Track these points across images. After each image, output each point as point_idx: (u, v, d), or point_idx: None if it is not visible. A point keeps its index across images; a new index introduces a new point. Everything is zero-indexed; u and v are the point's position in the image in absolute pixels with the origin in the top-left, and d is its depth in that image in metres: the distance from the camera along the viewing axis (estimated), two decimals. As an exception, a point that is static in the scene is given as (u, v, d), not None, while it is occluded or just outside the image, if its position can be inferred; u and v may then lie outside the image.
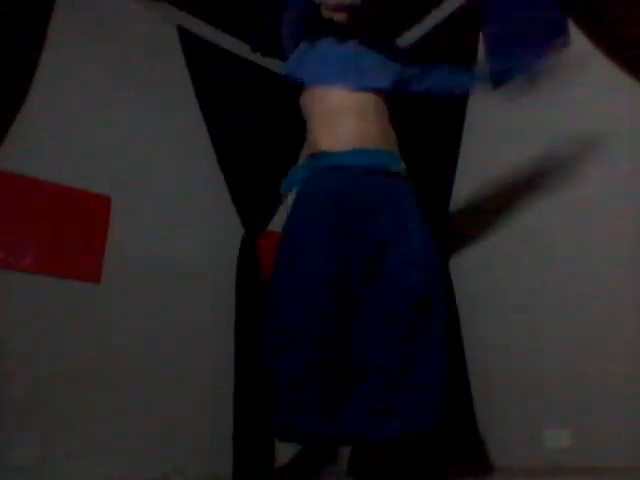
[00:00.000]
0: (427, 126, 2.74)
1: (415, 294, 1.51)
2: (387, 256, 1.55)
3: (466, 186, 2.64)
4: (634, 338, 1.93)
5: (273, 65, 3.24)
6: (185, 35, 2.95)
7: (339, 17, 1.81)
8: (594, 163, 2.18)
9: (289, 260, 1.58)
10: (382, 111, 1.72)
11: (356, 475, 1.77)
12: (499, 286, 2.42)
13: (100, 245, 2.41)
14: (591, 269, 2.12)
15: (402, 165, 1.70)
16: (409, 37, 3.05)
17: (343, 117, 1.67)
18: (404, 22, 3.03)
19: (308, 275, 1.53)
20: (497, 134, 2.60)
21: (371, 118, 1.67)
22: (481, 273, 2.51)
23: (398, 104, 1.79)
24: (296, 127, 3.23)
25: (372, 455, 1.58)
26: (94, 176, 2.47)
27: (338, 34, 1.79)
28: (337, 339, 1.49)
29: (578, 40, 2.30)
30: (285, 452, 2.51)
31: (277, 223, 2.97)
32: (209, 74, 2.96)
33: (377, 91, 1.72)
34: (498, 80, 1.93)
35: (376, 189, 1.62)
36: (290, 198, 1.85)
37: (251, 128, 2.99)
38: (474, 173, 2.64)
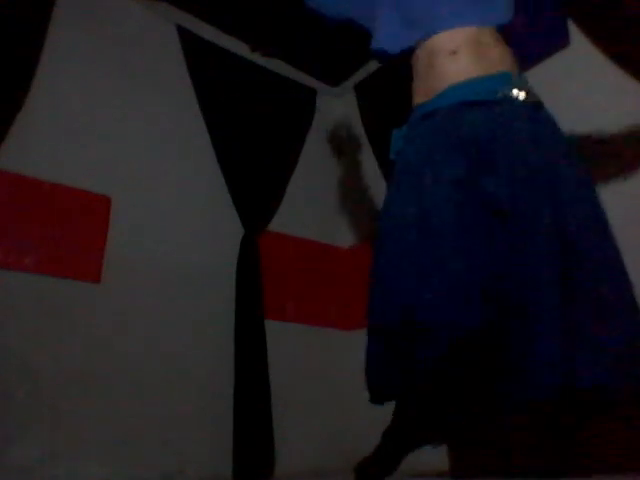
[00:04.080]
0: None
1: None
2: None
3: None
4: None
5: (273, 65, 3.24)
6: (185, 35, 2.95)
7: None
8: (594, 163, 2.18)
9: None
10: (480, 34, 1.47)
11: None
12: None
13: (100, 245, 2.40)
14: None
15: (518, 86, 1.38)
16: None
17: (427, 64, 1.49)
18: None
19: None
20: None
21: (465, 50, 1.44)
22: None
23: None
24: (296, 127, 3.27)
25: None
26: (94, 176, 2.47)
27: None
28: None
29: (578, 40, 2.30)
30: (285, 452, 2.52)
31: (277, 223, 2.98)
32: (209, 74, 2.96)
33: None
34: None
35: (479, 123, 1.35)
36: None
37: (251, 128, 2.99)
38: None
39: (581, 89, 2.26)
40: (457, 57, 1.43)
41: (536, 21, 2.49)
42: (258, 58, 3.18)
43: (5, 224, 2.21)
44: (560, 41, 2.36)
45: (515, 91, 1.36)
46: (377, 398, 1.36)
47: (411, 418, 1.39)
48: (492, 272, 1.23)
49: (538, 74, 2.45)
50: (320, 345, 2.99)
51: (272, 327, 2.75)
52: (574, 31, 2.32)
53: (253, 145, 2.98)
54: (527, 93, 1.38)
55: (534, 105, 1.39)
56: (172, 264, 2.59)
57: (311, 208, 3.21)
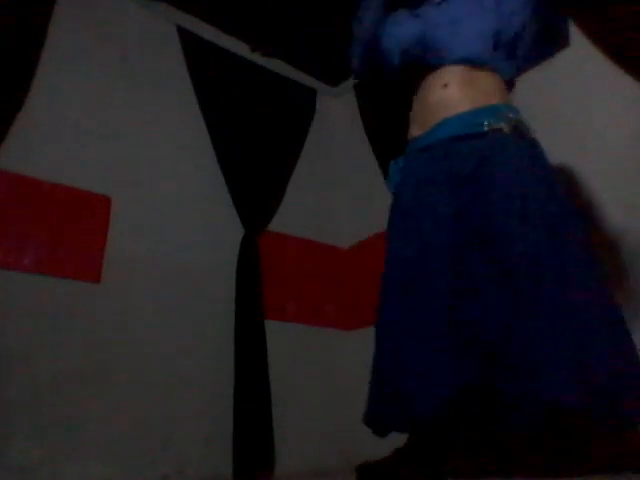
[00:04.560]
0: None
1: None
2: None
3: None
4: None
5: (273, 65, 3.24)
6: (185, 35, 2.95)
7: None
8: (594, 163, 2.18)
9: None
10: (470, 72, 1.53)
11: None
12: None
13: (100, 245, 2.40)
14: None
15: (505, 118, 1.44)
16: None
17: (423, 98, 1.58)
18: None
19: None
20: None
21: (455, 85, 1.51)
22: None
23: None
24: (296, 127, 3.27)
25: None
26: (94, 176, 2.47)
27: None
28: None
29: (578, 40, 2.30)
30: (285, 452, 2.52)
31: (277, 223, 2.98)
32: (209, 74, 2.96)
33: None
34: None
35: (467, 156, 1.42)
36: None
37: (251, 128, 2.99)
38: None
39: (581, 89, 2.27)
40: (448, 90, 1.51)
41: (536, 21, 2.50)
42: (258, 58, 3.18)
43: (5, 224, 2.21)
44: (560, 41, 2.36)
45: (501, 123, 1.42)
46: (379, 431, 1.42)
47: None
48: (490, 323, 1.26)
49: (538, 74, 2.45)
50: (320, 345, 2.99)
51: (272, 327, 2.75)
52: (574, 31, 2.32)
53: (253, 145, 2.98)
54: (515, 124, 1.44)
55: (520, 136, 1.44)
56: (172, 264, 2.59)
57: (311, 208, 3.21)
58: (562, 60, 2.36)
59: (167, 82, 2.85)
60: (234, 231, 2.81)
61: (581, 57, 2.28)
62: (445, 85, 1.52)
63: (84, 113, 2.52)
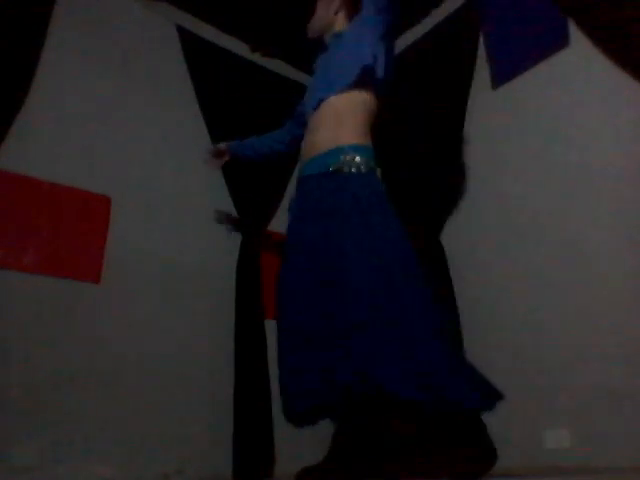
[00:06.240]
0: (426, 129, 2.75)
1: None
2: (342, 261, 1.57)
3: (466, 186, 2.64)
4: (634, 338, 1.93)
5: (273, 65, 3.24)
6: (185, 35, 2.95)
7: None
8: (593, 163, 2.18)
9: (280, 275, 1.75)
10: (337, 114, 1.74)
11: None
12: (499, 286, 2.42)
13: (100, 245, 2.40)
14: (591, 271, 2.12)
15: (346, 158, 1.68)
16: (409, 37, 3.05)
17: (305, 136, 1.85)
18: (405, 22, 3.03)
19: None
20: (496, 134, 2.60)
21: (322, 127, 1.75)
22: (481, 273, 2.51)
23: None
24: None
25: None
26: (94, 176, 2.47)
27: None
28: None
29: (578, 40, 2.30)
30: (285, 452, 2.52)
31: (277, 223, 2.97)
32: (209, 74, 2.96)
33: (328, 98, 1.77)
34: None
35: (316, 191, 1.70)
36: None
37: (251, 128, 2.99)
38: (474, 173, 2.65)
39: (581, 89, 2.27)
40: (313, 135, 1.77)
41: (536, 21, 2.50)
42: (258, 58, 3.18)
43: (5, 224, 2.21)
44: (560, 41, 2.36)
45: (343, 164, 1.67)
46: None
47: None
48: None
49: (538, 74, 2.46)
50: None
51: (272, 327, 2.74)
52: (574, 31, 2.32)
53: (253, 145, 2.97)
54: (356, 163, 1.67)
55: (358, 174, 1.67)
56: (172, 264, 2.59)
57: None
58: (562, 60, 2.36)
59: (167, 82, 2.85)
60: (234, 231, 2.82)
61: (581, 57, 2.28)
62: (311, 129, 1.79)
63: (84, 113, 2.52)
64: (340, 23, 1.91)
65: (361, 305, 1.50)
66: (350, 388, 1.46)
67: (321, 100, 1.77)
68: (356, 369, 1.45)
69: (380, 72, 1.75)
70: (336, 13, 1.92)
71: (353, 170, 1.66)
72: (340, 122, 1.73)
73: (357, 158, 1.67)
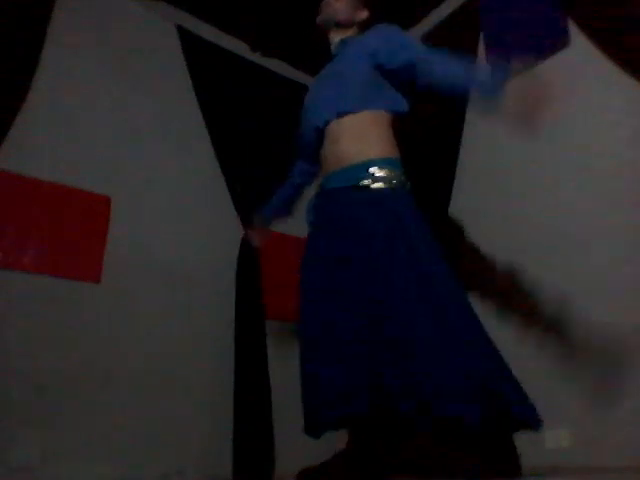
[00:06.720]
0: (425, 137, 2.76)
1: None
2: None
3: (467, 185, 2.64)
4: (634, 338, 1.93)
5: (273, 65, 3.24)
6: (185, 35, 2.95)
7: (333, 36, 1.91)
8: (594, 163, 2.18)
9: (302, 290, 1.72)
10: (361, 126, 1.70)
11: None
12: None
13: (100, 245, 2.40)
14: (590, 271, 2.12)
15: (378, 172, 1.64)
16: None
17: (325, 145, 1.77)
18: (405, 22, 3.03)
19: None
20: (496, 134, 2.60)
21: (346, 138, 1.69)
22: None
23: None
24: (296, 127, 3.26)
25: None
26: (94, 176, 2.47)
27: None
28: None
29: (578, 40, 2.30)
30: (285, 452, 2.52)
31: (277, 223, 2.97)
32: (209, 74, 2.96)
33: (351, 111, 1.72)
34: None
35: (347, 206, 1.65)
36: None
37: (251, 128, 2.99)
38: (475, 172, 2.64)
39: (581, 89, 2.27)
40: (337, 146, 1.70)
41: (536, 21, 2.50)
42: (258, 58, 3.18)
43: (5, 224, 2.21)
44: (560, 41, 2.36)
45: (366, 181, 1.62)
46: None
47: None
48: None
49: (538, 74, 2.45)
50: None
51: (272, 327, 2.74)
52: (574, 31, 2.32)
53: (253, 145, 2.98)
54: (385, 178, 1.63)
55: (390, 189, 1.63)
56: (172, 264, 2.59)
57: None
58: (562, 60, 2.36)
59: (167, 82, 2.85)
60: (234, 231, 2.82)
61: (581, 57, 2.28)
62: (336, 140, 1.71)
63: (84, 113, 2.52)
64: (353, 31, 1.88)
65: (409, 325, 1.46)
66: (400, 406, 1.40)
67: (340, 113, 1.71)
68: (408, 387, 1.40)
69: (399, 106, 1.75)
70: (357, 21, 1.88)
71: (385, 185, 1.62)
72: (366, 134, 1.69)
73: (389, 172, 1.63)
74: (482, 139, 2.63)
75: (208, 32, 3.04)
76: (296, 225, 3.08)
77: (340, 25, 1.88)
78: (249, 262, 2.77)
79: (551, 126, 2.36)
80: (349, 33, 1.88)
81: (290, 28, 2.95)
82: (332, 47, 1.91)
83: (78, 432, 2.13)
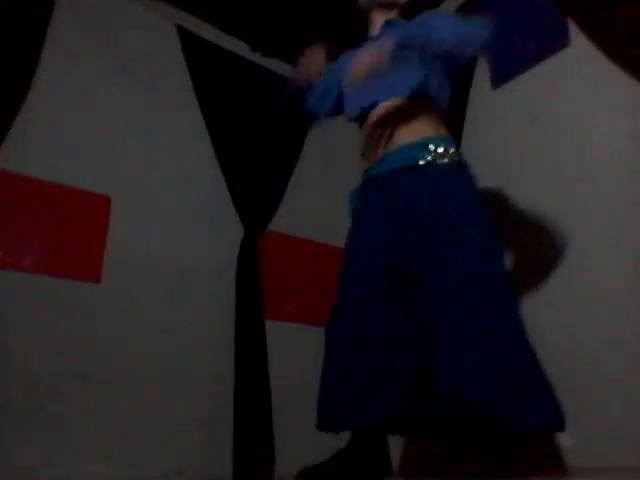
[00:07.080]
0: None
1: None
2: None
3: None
4: (635, 338, 1.93)
5: (273, 65, 3.24)
6: (185, 35, 2.95)
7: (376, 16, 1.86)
8: (594, 162, 2.18)
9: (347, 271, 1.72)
10: (399, 111, 1.67)
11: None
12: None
13: (100, 245, 2.40)
14: (592, 271, 2.11)
15: (438, 150, 1.60)
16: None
17: (370, 129, 1.72)
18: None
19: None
20: (496, 134, 2.60)
21: (395, 120, 1.66)
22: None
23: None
24: (296, 127, 3.26)
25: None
26: (94, 176, 2.47)
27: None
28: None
29: (578, 40, 2.30)
30: (285, 452, 2.52)
31: (277, 223, 2.98)
32: (209, 74, 2.96)
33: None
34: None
35: (401, 187, 1.61)
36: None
37: (251, 128, 2.99)
38: (475, 171, 2.64)
39: (581, 89, 2.27)
40: (389, 128, 1.66)
41: (536, 21, 2.50)
42: (258, 58, 3.18)
43: (5, 224, 2.21)
44: (560, 41, 2.36)
45: (430, 157, 1.59)
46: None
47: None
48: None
49: (538, 74, 2.46)
50: (320, 345, 2.98)
51: (272, 327, 2.74)
52: (574, 31, 2.32)
53: (253, 145, 2.98)
54: (444, 155, 1.60)
55: (450, 165, 1.60)
56: (172, 264, 2.59)
57: (311, 208, 3.20)
58: (562, 60, 2.36)
59: (167, 82, 2.85)
60: (234, 231, 2.82)
61: (581, 57, 2.28)
62: (377, 125, 1.68)
63: (84, 113, 2.52)
64: (395, 13, 1.85)
65: (459, 317, 1.44)
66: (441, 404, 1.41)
67: (389, 96, 1.68)
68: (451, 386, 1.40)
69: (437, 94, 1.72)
70: (400, 3, 1.86)
71: (446, 160, 1.59)
72: (415, 115, 1.66)
73: (449, 149, 1.61)
74: (482, 139, 2.64)
75: (208, 32, 3.04)
76: (296, 225, 3.09)
77: (383, 5, 1.84)
78: (249, 262, 2.77)
79: (551, 126, 2.37)
80: (391, 15, 1.84)
81: (290, 28, 2.95)
82: (372, 29, 1.86)
83: (78, 432, 2.13)
